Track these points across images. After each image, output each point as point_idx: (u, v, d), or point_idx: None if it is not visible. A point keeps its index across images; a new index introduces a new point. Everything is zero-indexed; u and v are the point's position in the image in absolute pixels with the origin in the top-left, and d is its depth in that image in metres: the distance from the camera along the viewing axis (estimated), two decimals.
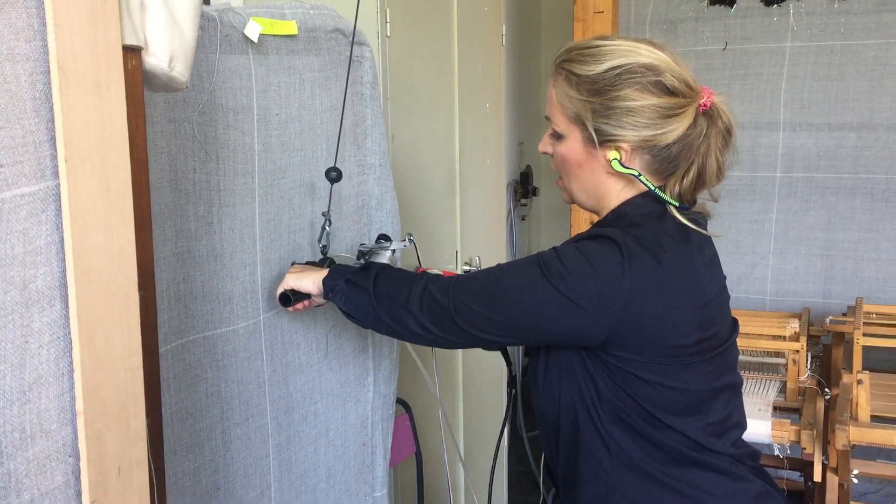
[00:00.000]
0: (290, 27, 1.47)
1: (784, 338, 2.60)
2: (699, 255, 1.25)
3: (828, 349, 2.75)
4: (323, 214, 1.48)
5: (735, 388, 1.34)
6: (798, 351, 2.50)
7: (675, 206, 1.25)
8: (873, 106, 3.00)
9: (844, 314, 2.88)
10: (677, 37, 3.14)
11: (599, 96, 1.22)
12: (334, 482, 1.68)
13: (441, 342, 1.30)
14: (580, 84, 1.24)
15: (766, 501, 1.31)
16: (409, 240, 1.54)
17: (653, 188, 1.25)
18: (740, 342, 2.59)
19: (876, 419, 2.34)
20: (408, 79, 2.20)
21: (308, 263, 1.48)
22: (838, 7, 2.98)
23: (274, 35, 1.44)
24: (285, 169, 1.46)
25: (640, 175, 1.24)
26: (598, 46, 1.25)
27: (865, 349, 2.66)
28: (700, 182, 1.26)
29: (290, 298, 1.41)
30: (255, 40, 1.37)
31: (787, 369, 2.53)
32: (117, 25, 0.72)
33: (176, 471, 1.28)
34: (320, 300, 1.43)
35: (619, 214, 1.28)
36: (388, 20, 2.06)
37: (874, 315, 2.84)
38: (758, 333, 2.64)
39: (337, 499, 1.69)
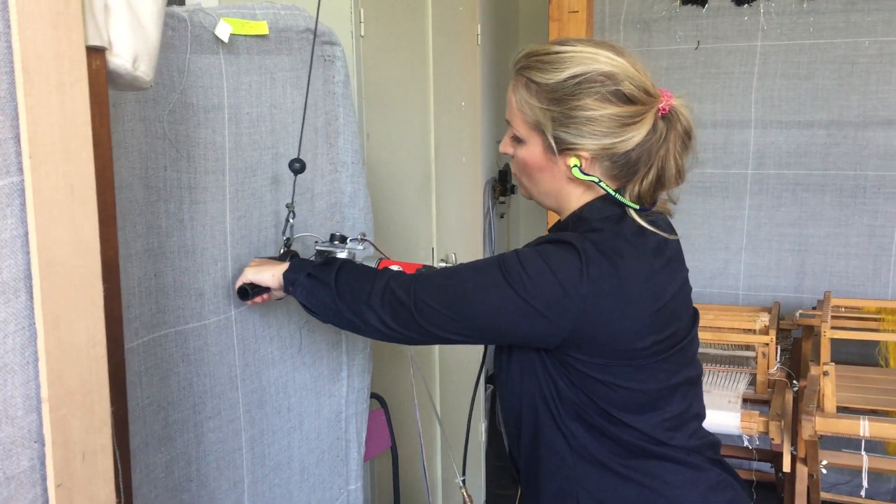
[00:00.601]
0: (261, 27, 1.50)
1: (754, 331, 2.65)
2: (657, 257, 1.26)
3: (798, 342, 2.81)
4: (287, 206, 1.49)
5: (693, 381, 1.35)
6: (767, 344, 2.55)
7: (635, 209, 1.27)
8: (842, 103, 3.06)
9: (814, 308, 2.94)
10: (651, 36, 3.19)
11: (559, 105, 1.23)
12: (308, 475, 1.71)
13: (401, 339, 1.31)
14: (539, 92, 1.25)
15: (724, 490, 1.33)
16: (363, 239, 1.54)
17: (612, 192, 1.26)
18: (711, 336, 2.66)
19: (845, 410, 2.39)
20: (383, 78, 2.23)
21: (270, 258, 1.49)
22: (807, 7, 3.04)
23: (245, 35, 1.46)
24: (256, 167, 1.49)
25: (600, 181, 1.26)
26: (557, 53, 1.25)
27: (837, 342, 2.71)
28: (659, 184, 1.27)
29: (248, 292, 1.41)
30: (226, 40, 1.39)
31: (757, 362, 2.58)
32: (80, 28, 0.75)
33: (148, 463, 1.31)
34: (279, 294, 1.44)
35: (580, 218, 1.29)
36: (362, 20, 2.09)
37: (843, 309, 2.90)
38: (729, 327, 2.69)
39: (311, 492, 1.72)
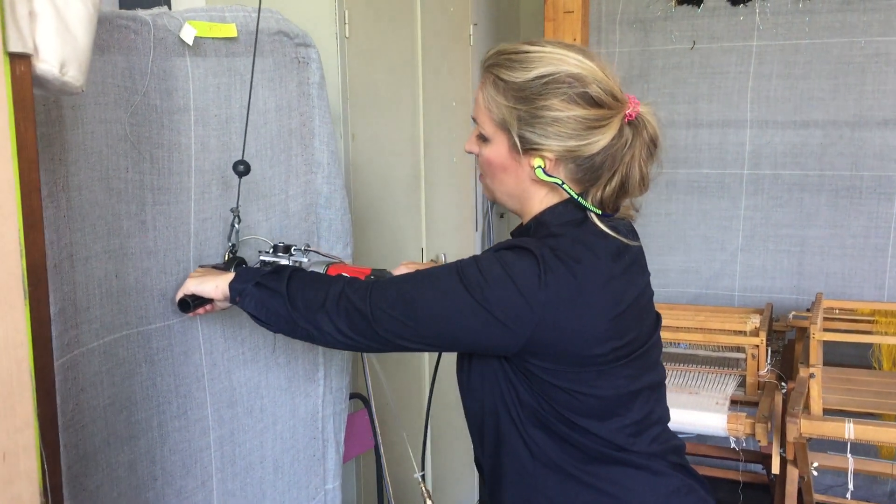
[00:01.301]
0: (229, 30, 1.51)
1: (745, 333, 2.63)
2: (616, 263, 1.25)
3: (791, 344, 2.79)
4: (231, 211, 1.46)
5: (655, 386, 1.34)
6: (758, 346, 2.53)
7: (597, 214, 1.26)
8: (838, 104, 3.03)
9: (808, 309, 2.92)
10: (647, 36, 3.18)
11: (525, 104, 1.23)
12: (282, 474, 1.72)
13: (359, 347, 1.29)
14: (507, 90, 1.25)
15: (686, 494, 1.32)
16: (307, 250, 1.51)
17: (575, 196, 1.26)
18: (702, 338, 2.64)
19: (836, 413, 2.37)
20: (369, 78, 2.23)
21: (214, 266, 1.45)
22: (803, 6, 3.01)
23: (213, 38, 1.47)
24: (224, 168, 1.50)
25: (563, 183, 1.25)
26: (526, 52, 1.25)
27: (833, 345, 2.68)
28: (623, 191, 1.26)
29: (190, 304, 1.37)
30: (190, 43, 1.40)
31: (747, 364, 2.57)
32: None
33: (110, 462, 1.32)
34: (223, 304, 1.41)
35: (540, 222, 1.29)
36: (346, 21, 2.10)
37: (837, 310, 2.87)
38: (720, 329, 2.67)
39: (285, 490, 1.73)
